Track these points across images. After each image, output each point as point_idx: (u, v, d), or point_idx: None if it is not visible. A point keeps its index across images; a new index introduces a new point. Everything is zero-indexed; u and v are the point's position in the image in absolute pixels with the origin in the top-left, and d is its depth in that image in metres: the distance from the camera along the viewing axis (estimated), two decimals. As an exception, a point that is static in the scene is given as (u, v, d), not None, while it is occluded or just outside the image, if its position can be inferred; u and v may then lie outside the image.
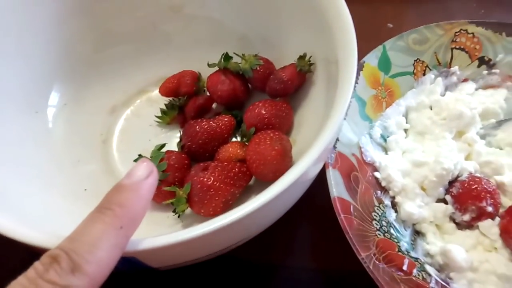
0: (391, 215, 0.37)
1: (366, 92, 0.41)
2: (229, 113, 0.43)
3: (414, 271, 0.34)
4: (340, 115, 0.28)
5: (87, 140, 0.43)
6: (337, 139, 0.38)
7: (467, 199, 0.36)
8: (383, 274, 0.32)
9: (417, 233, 0.38)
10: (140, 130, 0.45)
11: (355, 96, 0.41)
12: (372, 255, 0.32)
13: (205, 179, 0.34)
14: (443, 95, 0.44)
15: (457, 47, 0.45)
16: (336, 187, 0.35)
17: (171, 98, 0.45)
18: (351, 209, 0.34)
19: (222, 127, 0.40)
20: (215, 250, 0.29)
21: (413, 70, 0.44)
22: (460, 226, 0.38)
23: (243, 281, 0.38)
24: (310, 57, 0.39)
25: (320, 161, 0.30)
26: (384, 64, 0.43)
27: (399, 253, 0.35)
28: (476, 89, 0.45)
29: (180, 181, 0.37)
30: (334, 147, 0.37)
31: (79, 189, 0.39)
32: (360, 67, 0.41)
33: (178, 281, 0.38)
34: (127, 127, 0.45)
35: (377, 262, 0.32)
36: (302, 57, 0.39)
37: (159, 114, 0.44)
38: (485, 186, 0.36)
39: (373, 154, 0.40)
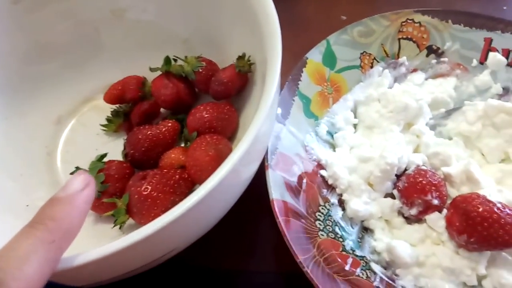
0: (337, 214, 0.37)
1: (311, 89, 0.41)
2: (174, 118, 0.42)
3: (358, 270, 0.33)
4: (261, 118, 0.27)
5: (30, 153, 0.42)
6: (279, 140, 0.37)
7: (413, 193, 0.36)
8: (322, 276, 0.31)
9: (366, 230, 0.38)
10: (87, 139, 0.44)
11: (298, 94, 0.40)
12: (312, 257, 0.32)
13: (142, 189, 0.33)
14: (392, 87, 0.43)
15: (404, 37, 0.44)
16: (275, 189, 0.34)
17: (116, 106, 0.44)
18: (291, 210, 0.34)
19: (165, 133, 0.40)
20: (146, 261, 0.28)
21: (360, 64, 0.43)
22: (409, 220, 0.38)
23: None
24: (249, 57, 0.38)
25: (250, 162, 0.30)
26: (329, 59, 0.42)
27: (343, 252, 0.34)
28: (426, 79, 0.44)
29: (121, 192, 0.36)
30: (276, 148, 0.36)
31: (21, 204, 0.38)
32: (302, 64, 0.41)
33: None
34: (73, 137, 0.44)
35: (316, 264, 0.31)
36: (241, 58, 0.38)
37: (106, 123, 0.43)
38: (430, 179, 0.36)
39: (318, 152, 0.39)
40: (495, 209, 0.32)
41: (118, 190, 0.36)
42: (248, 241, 0.39)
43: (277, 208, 0.33)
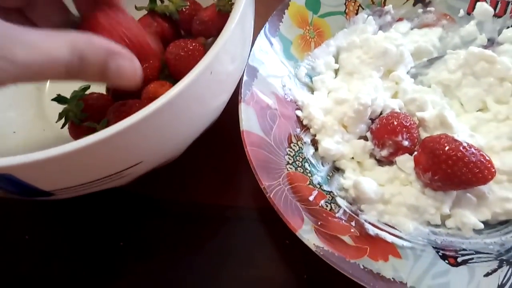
0: (309, 151, 0.38)
1: (292, 31, 0.41)
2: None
3: (322, 202, 0.34)
4: (221, 42, 0.28)
5: (20, 86, 0.43)
6: (255, 77, 0.38)
7: (384, 133, 0.36)
8: (284, 202, 0.32)
9: (337, 170, 0.38)
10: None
11: (278, 35, 0.40)
12: (276, 185, 0.33)
13: (124, 114, 0.34)
14: (375, 34, 0.43)
15: (392, -15, 0.44)
16: (247, 122, 0.35)
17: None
18: (260, 142, 0.35)
19: (147, 69, 0.40)
20: (110, 170, 0.28)
21: (345, 10, 0.43)
22: (382, 163, 0.38)
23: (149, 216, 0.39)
24: (230, -5, 0.38)
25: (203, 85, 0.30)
26: (313, 3, 0.42)
27: (310, 186, 0.35)
28: (412, 28, 0.44)
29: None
30: (251, 84, 0.37)
31: (8, 131, 0.40)
32: (285, 6, 0.41)
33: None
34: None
35: (280, 191, 0.33)
36: (222, -4, 0.38)
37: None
38: (402, 121, 0.36)
39: (295, 93, 0.40)
40: (461, 148, 0.32)
41: (97, 121, 0.37)
42: (223, 176, 0.41)
43: (246, 139, 0.34)
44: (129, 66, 0.27)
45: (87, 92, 0.39)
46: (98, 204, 0.39)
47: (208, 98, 0.30)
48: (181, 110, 0.27)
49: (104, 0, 0.28)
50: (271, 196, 0.32)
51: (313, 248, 0.30)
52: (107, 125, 0.34)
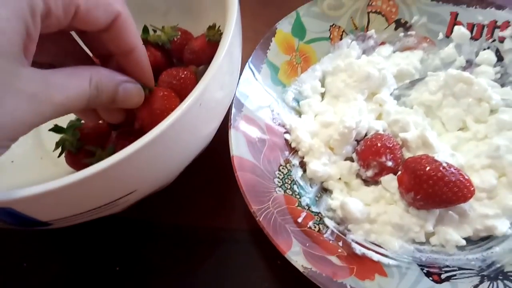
0: (297, 174, 0.39)
1: (279, 58, 0.43)
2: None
3: (310, 223, 0.35)
4: (210, 75, 0.29)
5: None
6: (244, 104, 0.39)
7: (368, 155, 0.38)
8: (274, 225, 0.33)
9: (325, 191, 0.40)
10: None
11: (266, 62, 0.42)
12: (265, 208, 0.34)
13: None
14: (359, 58, 0.45)
15: (374, 10, 0.46)
16: (236, 147, 0.36)
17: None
18: (250, 167, 0.36)
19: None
20: (105, 200, 0.29)
21: (330, 36, 0.45)
22: (368, 183, 0.40)
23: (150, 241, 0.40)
24: (219, 26, 0.40)
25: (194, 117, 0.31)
26: (299, 30, 0.44)
27: (299, 207, 0.36)
28: (394, 52, 0.46)
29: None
30: (241, 111, 0.39)
31: (6, 161, 0.41)
32: (272, 34, 0.43)
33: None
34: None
35: (269, 215, 0.34)
36: (211, 27, 0.40)
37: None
38: (386, 143, 0.38)
39: (284, 117, 0.41)
40: (441, 168, 0.34)
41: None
42: (216, 199, 0.42)
43: (236, 164, 0.35)
44: (135, 89, 0.31)
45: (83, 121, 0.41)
46: (94, 230, 0.40)
47: (198, 126, 0.31)
48: (172, 140, 0.28)
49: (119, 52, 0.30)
50: (260, 219, 0.33)
51: (301, 270, 0.31)
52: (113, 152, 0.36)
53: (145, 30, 0.44)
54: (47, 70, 0.25)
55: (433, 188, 0.34)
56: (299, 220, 0.35)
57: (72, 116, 0.42)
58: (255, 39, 0.43)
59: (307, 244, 0.33)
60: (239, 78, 0.39)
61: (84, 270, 0.39)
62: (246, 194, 0.34)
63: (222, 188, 0.42)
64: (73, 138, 0.38)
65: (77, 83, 0.26)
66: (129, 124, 0.41)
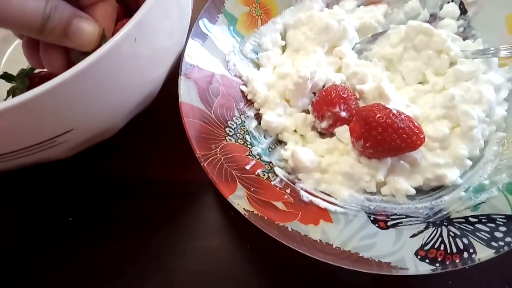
0: (251, 124, 0.38)
1: (237, 9, 0.42)
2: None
3: (259, 171, 0.35)
4: (145, 8, 0.28)
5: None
6: (198, 53, 0.38)
7: (322, 105, 0.37)
8: (219, 171, 0.33)
9: (280, 142, 0.39)
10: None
11: (223, 13, 0.41)
12: (212, 154, 0.34)
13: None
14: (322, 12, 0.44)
15: (339, -38, 0.45)
16: (186, 94, 0.36)
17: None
18: (199, 114, 0.35)
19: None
20: (33, 139, 0.29)
21: (292, -12, 0.44)
22: (324, 135, 0.39)
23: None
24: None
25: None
26: (259, -19, 0.43)
27: (249, 156, 0.36)
28: (358, 6, 0.45)
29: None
30: (193, 59, 0.38)
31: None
32: (230, -16, 0.42)
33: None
34: (17, 56, 0.46)
35: (216, 161, 0.33)
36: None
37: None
38: (340, 93, 0.37)
39: (240, 68, 0.40)
40: (391, 115, 0.33)
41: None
42: (173, 151, 0.41)
43: (184, 110, 0.35)
44: (89, 26, 0.30)
45: (36, 70, 0.40)
46: (48, 180, 0.40)
47: (137, 67, 0.30)
48: (103, 76, 0.28)
49: None
50: (205, 165, 0.33)
51: (242, 212, 0.31)
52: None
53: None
54: None
55: (382, 135, 0.33)
56: (247, 167, 0.35)
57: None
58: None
59: (252, 189, 0.33)
60: (193, 26, 0.38)
61: (35, 219, 0.39)
62: (191, 139, 0.33)
63: (180, 139, 0.42)
64: (23, 86, 0.38)
65: None
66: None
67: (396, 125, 0.33)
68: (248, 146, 0.37)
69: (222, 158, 0.34)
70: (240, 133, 0.37)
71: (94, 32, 0.31)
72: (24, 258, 0.37)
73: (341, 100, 0.37)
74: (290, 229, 0.31)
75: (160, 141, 0.42)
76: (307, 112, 0.40)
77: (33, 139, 0.28)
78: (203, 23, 0.39)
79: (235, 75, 0.40)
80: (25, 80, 0.38)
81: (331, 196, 0.35)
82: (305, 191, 0.35)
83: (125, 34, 0.27)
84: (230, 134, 0.36)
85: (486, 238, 0.30)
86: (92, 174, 0.41)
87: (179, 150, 0.41)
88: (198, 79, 0.37)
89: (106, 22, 0.32)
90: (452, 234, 0.31)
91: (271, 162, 0.36)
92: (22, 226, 0.39)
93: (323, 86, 0.40)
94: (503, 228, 0.30)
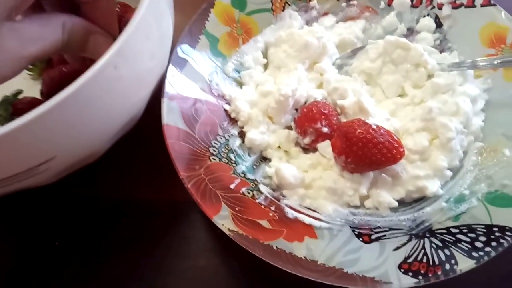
0: (235, 143, 0.39)
1: (219, 29, 0.42)
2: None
3: (244, 189, 0.35)
4: (122, 38, 0.29)
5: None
6: (180, 75, 0.39)
7: (304, 122, 0.38)
8: (203, 192, 0.33)
9: (265, 159, 0.40)
10: (12, 82, 0.46)
11: (204, 33, 0.41)
12: (196, 175, 0.34)
13: None
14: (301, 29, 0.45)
15: (316, -19, 0.46)
16: (168, 117, 0.36)
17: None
18: (183, 135, 0.36)
19: (79, 72, 0.42)
20: (15, 168, 0.28)
21: (272, 7, 0.45)
22: (308, 151, 0.40)
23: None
24: None
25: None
26: (239, 1, 0.44)
27: (233, 175, 0.36)
28: (337, 22, 0.46)
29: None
30: (175, 81, 0.38)
31: None
32: (210, 5, 0.42)
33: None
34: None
35: (199, 181, 0.34)
36: None
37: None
38: (321, 109, 0.38)
39: (223, 87, 0.41)
40: (370, 130, 0.34)
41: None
42: (159, 172, 0.42)
43: (167, 132, 0.35)
44: (105, 41, 0.32)
45: (20, 96, 0.41)
46: (33, 203, 0.40)
47: (119, 92, 0.31)
48: (84, 104, 0.28)
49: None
50: (189, 186, 0.33)
51: (227, 232, 0.31)
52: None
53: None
54: (19, 23, 0.27)
55: (363, 150, 0.34)
56: (232, 186, 0.35)
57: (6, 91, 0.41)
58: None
59: (237, 209, 0.33)
60: (175, 49, 0.39)
61: (22, 243, 0.39)
62: (175, 161, 0.34)
63: (165, 160, 0.42)
64: (6, 113, 0.38)
65: (50, 31, 0.28)
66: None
67: (375, 140, 0.33)
68: (233, 164, 0.37)
69: (207, 179, 0.34)
70: (224, 152, 0.38)
71: (108, 44, 0.31)
72: (10, 283, 0.36)
73: (322, 116, 0.38)
74: (275, 247, 0.31)
75: (146, 161, 0.42)
76: (290, 128, 0.40)
77: (13, 169, 0.29)
78: (181, 50, 0.39)
79: (218, 95, 0.41)
80: (8, 108, 0.38)
81: (316, 212, 0.35)
82: (290, 207, 0.35)
83: (105, 63, 0.28)
84: (214, 153, 0.37)
85: (467, 248, 0.31)
86: (77, 197, 0.41)
87: (166, 170, 0.42)
88: (181, 100, 0.38)
89: (109, 20, 0.33)
90: (435, 246, 0.32)
91: (255, 180, 0.37)
92: (7, 252, 0.38)
93: (305, 102, 0.40)
94: (483, 238, 0.31)
